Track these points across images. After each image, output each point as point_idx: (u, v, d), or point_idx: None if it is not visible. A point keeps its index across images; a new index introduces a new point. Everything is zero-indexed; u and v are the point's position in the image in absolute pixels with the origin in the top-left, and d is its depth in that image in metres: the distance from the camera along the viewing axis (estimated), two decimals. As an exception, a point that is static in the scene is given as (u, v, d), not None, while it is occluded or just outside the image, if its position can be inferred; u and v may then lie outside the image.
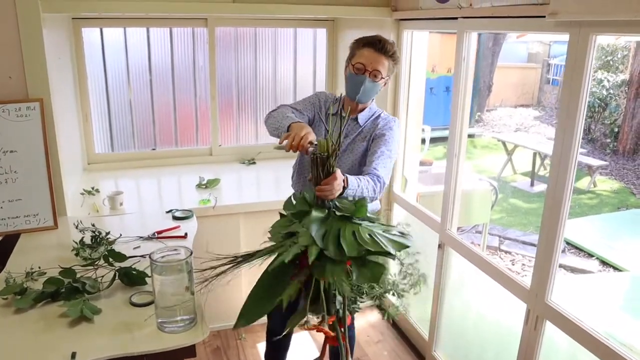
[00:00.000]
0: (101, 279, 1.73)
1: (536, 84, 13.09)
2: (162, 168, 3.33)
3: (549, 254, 1.71)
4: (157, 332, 1.49)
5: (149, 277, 1.66)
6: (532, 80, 13.03)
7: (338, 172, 1.60)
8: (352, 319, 2.17)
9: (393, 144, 1.99)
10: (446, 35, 9.23)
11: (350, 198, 1.72)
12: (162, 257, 1.48)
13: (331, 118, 1.70)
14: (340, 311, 1.53)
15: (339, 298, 1.53)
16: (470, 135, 9.73)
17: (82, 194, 2.71)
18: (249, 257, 1.57)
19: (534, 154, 7.56)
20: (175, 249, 1.49)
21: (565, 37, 1.59)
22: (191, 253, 1.47)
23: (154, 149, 3.41)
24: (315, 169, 1.59)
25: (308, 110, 2.07)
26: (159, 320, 1.49)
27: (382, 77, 1.94)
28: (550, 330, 1.80)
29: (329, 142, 1.55)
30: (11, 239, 2.15)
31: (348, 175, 1.72)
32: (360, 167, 2.01)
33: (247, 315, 1.47)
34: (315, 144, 1.67)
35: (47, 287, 1.65)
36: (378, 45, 1.91)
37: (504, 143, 8.28)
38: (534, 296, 1.81)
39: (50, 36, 2.37)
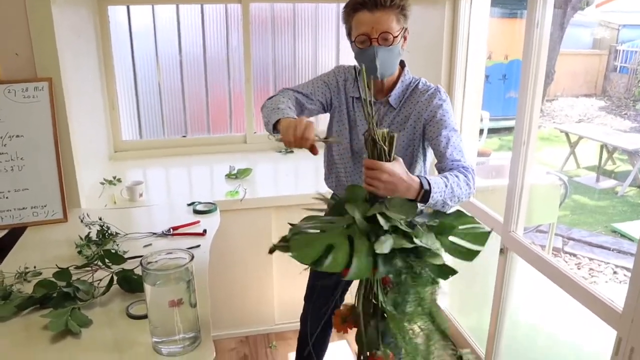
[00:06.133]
0: (98, 284, 1.48)
1: (601, 72, 12.15)
2: (193, 156, 3.10)
3: (653, 269, 1.32)
4: (152, 354, 1.22)
5: (152, 283, 1.40)
6: (596, 68, 12.10)
7: (391, 165, 1.20)
8: None
9: (450, 119, 1.59)
10: (503, 19, 8.64)
11: (441, 206, 1.35)
12: (158, 262, 1.20)
13: (363, 104, 1.33)
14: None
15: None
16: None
17: (102, 183, 2.50)
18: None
19: (601, 147, 6.93)
20: (171, 252, 1.21)
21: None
22: (192, 258, 1.19)
23: (184, 136, 3.18)
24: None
25: (319, 93, 1.68)
26: (154, 340, 1.22)
27: (394, 37, 1.52)
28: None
29: (383, 133, 1.19)
30: (18, 232, 1.95)
31: (429, 177, 1.32)
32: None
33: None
34: (323, 137, 1.36)
35: (37, 292, 1.42)
36: (369, 3, 1.49)
37: (567, 134, 7.64)
38: (628, 322, 1.42)
39: (66, 12, 2.17)
